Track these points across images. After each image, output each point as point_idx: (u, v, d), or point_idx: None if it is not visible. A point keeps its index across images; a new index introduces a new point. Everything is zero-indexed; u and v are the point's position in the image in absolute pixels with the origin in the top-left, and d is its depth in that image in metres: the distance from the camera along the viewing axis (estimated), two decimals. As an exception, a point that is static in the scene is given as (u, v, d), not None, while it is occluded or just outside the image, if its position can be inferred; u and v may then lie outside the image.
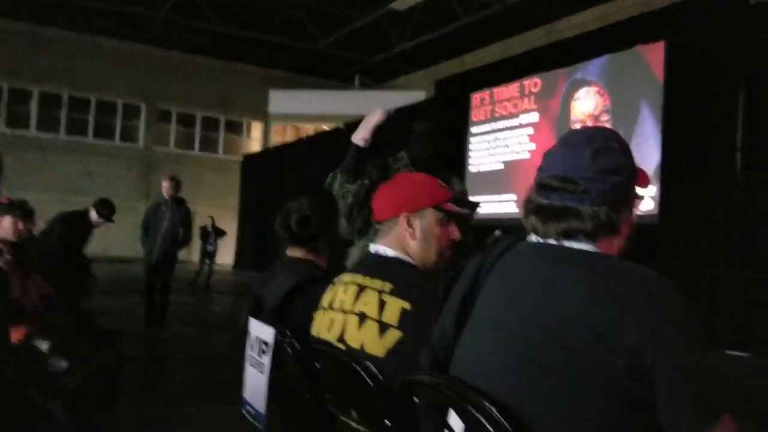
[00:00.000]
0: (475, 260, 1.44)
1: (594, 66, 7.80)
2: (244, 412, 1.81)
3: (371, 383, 1.52)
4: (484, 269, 1.42)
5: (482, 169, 8.85)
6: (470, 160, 9.05)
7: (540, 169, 1.35)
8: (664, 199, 6.76)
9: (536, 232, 1.31)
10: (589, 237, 1.34)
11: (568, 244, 1.31)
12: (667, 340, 1.16)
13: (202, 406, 3.45)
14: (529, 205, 1.33)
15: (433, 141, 3.23)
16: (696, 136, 6.45)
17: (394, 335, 1.58)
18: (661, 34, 6.83)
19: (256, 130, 21.48)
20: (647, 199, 7.08)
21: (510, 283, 1.35)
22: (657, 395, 1.16)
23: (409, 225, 1.70)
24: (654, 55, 6.97)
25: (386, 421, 1.52)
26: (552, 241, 1.32)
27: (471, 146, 9.12)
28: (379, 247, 1.73)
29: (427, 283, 1.63)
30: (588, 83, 7.82)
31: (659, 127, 6.87)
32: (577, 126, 7.83)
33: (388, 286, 1.64)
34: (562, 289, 1.25)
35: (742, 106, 6.06)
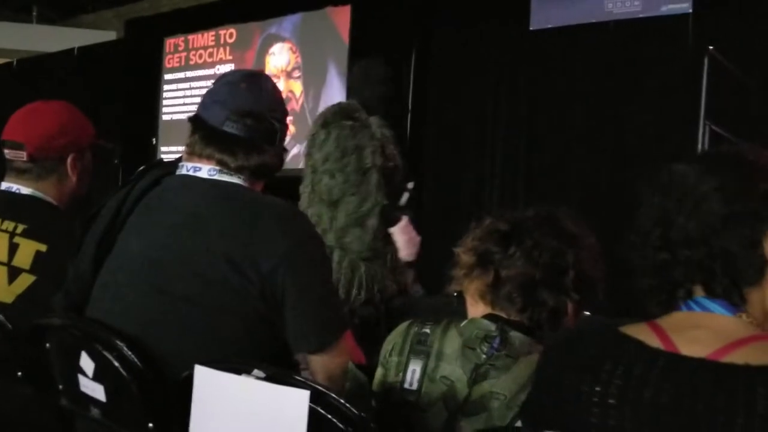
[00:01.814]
0: (115, 197, 1.39)
1: (288, 23, 7.94)
2: None
3: (-2, 333, 1.40)
4: (126, 206, 1.38)
5: (176, 117, 8.55)
6: (163, 108, 8.68)
7: (220, 102, 1.34)
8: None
9: (223, 164, 1.30)
10: (265, 175, 1.38)
11: (219, 177, 1.33)
12: (296, 264, 1.26)
13: None
14: (214, 137, 1.32)
15: (387, 81, 3.10)
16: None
17: (25, 280, 1.48)
18: (350, -2, 7.19)
19: None
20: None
21: (153, 218, 1.34)
22: (285, 314, 1.26)
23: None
24: (341, 17, 7.33)
25: (18, 372, 1.42)
26: (202, 174, 1.33)
27: (164, 94, 8.74)
28: (12, 185, 1.59)
29: (64, 222, 1.54)
30: (282, 39, 7.95)
31: (344, 86, 7.28)
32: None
33: (21, 228, 1.52)
34: (203, 221, 1.28)
35: (413, 70, 6.69)
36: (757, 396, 0.76)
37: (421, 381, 1.18)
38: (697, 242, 0.86)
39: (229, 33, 8.34)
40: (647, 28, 5.28)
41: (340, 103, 3.11)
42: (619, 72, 5.29)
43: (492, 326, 1.21)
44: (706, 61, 3.88)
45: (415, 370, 1.19)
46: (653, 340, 0.85)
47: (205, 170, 1.34)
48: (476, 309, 1.28)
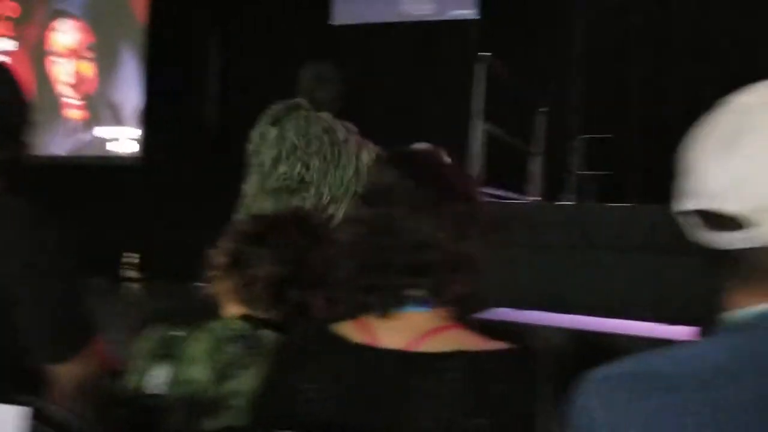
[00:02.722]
0: None
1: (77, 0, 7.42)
2: None
3: None
4: None
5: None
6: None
7: None
8: (146, 140, 6.90)
9: None
10: (5, 172, 1.27)
11: None
12: (35, 271, 1.19)
13: None
14: None
15: (338, 82, 2.94)
16: (175, 80, 6.73)
17: None
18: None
19: None
20: (131, 142, 7.12)
21: None
22: (24, 323, 1.18)
23: None
24: (137, -3, 6.99)
25: None
26: None
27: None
28: None
29: None
30: (71, 16, 7.41)
31: (139, 67, 6.95)
32: (56, 59, 7.39)
33: None
34: None
35: (217, 54, 6.55)
36: (444, 380, 0.86)
37: (165, 385, 1.18)
38: (407, 246, 0.91)
39: (9, 6, 7.59)
40: (436, 30, 5.61)
41: (286, 102, 3.01)
42: (411, 71, 5.56)
43: (242, 325, 1.23)
44: (481, 64, 4.20)
45: (159, 374, 1.18)
46: (358, 336, 0.92)
47: None
48: (229, 309, 1.30)
